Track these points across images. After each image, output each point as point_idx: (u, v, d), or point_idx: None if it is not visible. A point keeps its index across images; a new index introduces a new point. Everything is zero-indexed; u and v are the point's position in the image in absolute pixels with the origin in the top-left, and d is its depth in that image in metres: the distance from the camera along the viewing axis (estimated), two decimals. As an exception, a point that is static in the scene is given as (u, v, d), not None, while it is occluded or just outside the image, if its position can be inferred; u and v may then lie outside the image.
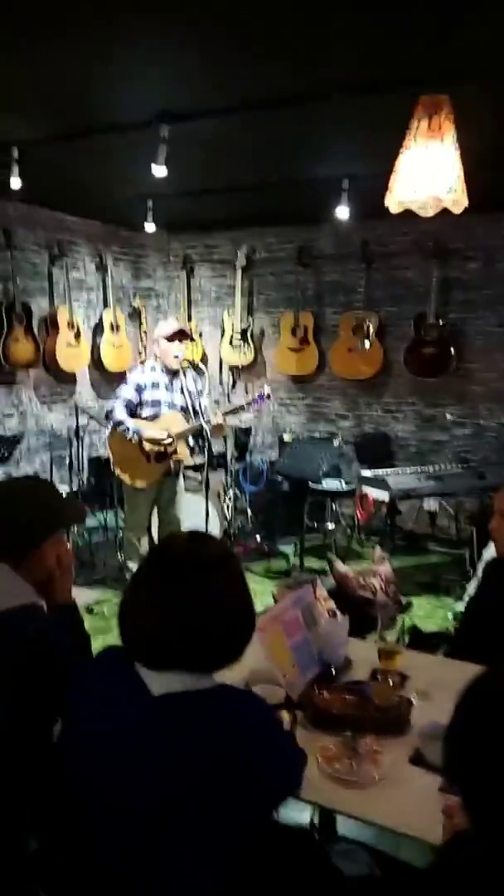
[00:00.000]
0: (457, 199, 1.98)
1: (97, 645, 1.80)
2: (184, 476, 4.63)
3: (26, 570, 1.59)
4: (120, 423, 4.20)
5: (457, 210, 2.03)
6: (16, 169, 4.09)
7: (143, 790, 1.22)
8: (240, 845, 1.27)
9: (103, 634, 3.85)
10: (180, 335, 4.31)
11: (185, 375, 4.34)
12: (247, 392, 6.61)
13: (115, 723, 1.29)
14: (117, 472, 4.36)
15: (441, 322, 5.62)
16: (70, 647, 1.59)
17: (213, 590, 1.30)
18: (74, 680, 1.43)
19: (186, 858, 1.22)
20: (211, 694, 1.30)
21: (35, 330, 5.71)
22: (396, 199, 2.03)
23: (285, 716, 1.70)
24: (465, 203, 1.99)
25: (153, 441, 4.18)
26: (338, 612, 2.43)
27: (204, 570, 1.30)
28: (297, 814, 1.94)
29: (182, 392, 4.32)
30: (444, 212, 2.29)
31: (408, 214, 2.27)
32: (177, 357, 4.23)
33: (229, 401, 6.51)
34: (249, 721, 1.30)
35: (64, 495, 2.80)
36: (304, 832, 1.88)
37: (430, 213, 2.02)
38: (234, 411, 4.48)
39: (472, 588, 4.06)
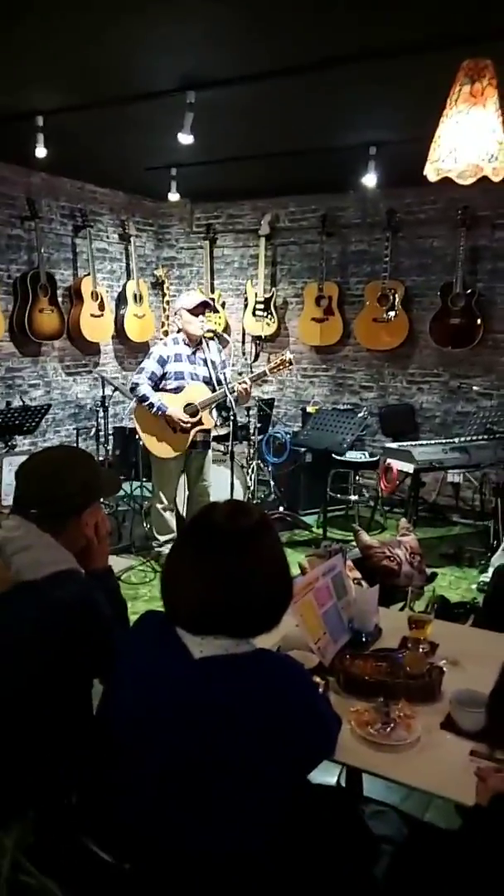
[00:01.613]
0: (497, 167, 1.94)
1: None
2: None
3: (66, 538, 1.63)
4: (145, 398, 4.22)
5: (496, 178, 1.99)
6: (41, 138, 4.08)
7: (183, 751, 1.26)
8: (278, 805, 1.31)
9: (131, 601, 3.92)
10: (204, 307, 4.31)
11: (207, 347, 4.34)
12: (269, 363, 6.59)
13: (157, 685, 1.32)
14: (144, 441, 4.40)
15: (468, 292, 5.54)
16: (109, 609, 1.63)
17: (254, 558, 1.32)
18: (117, 644, 1.47)
19: (224, 817, 1.26)
20: (250, 657, 1.33)
21: (59, 300, 5.72)
22: (436, 166, 2.00)
23: (318, 680, 1.73)
24: (507, 171, 1.96)
25: (176, 420, 4.21)
26: (363, 582, 2.46)
27: (245, 539, 1.32)
28: (324, 776, 1.98)
29: (205, 363, 4.32)
30: (476, 179, 2.25)
31: (436, 181, 2.23)
32: (203, 328, 4.24)
33: (251, 371, 6.52)
34: (288, 684, 1.33)
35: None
36: (336, 791, 1.93)
37: (468, 181, 1.99)
38: (259, 377, 4.48)
39: (496, 559, 4.07)
